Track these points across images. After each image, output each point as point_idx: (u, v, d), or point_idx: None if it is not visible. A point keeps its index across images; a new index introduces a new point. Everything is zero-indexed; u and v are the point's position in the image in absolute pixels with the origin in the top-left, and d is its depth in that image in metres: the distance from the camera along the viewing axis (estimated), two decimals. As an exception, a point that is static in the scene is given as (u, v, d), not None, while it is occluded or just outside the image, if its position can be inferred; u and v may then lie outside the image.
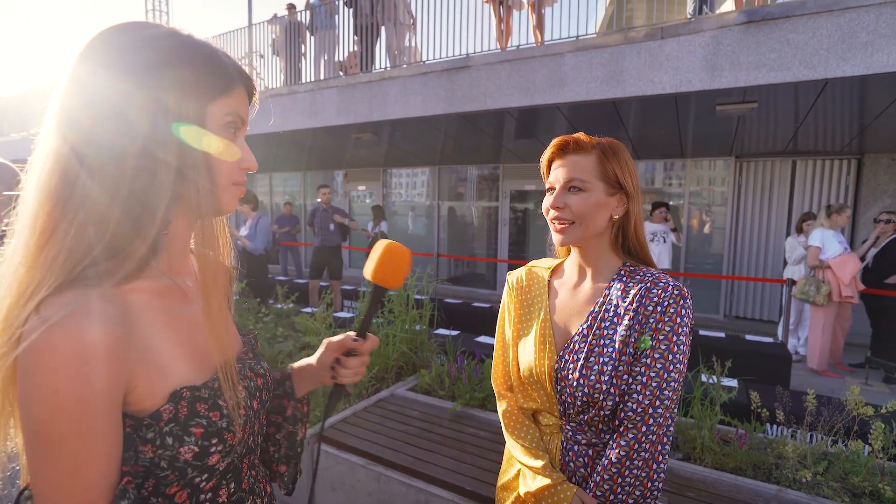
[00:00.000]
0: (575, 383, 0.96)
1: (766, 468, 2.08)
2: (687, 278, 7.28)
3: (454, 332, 4.15)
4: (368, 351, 0.84)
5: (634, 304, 0.95)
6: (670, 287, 0.94)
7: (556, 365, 1.00)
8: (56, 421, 0.51)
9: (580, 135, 1.03)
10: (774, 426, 2.63)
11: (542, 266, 1.17)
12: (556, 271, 1.15)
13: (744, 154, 6.98)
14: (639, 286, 0.96)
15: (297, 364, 0.89)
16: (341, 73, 6.68)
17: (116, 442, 0.56)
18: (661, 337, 0.92)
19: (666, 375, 0.91)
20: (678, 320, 0.92)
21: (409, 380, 3.19)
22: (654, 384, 0.91)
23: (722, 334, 4.42)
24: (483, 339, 4.21)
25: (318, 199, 6.56)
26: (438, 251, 9.28)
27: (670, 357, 0.91)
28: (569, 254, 1.14)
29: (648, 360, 0.91)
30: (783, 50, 3.85)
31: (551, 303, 1.09)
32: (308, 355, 3.19)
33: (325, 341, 0.85)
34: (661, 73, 4.27)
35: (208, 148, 0.62)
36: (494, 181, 9.12)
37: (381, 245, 0.79)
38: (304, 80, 7.30)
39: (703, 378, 2.48)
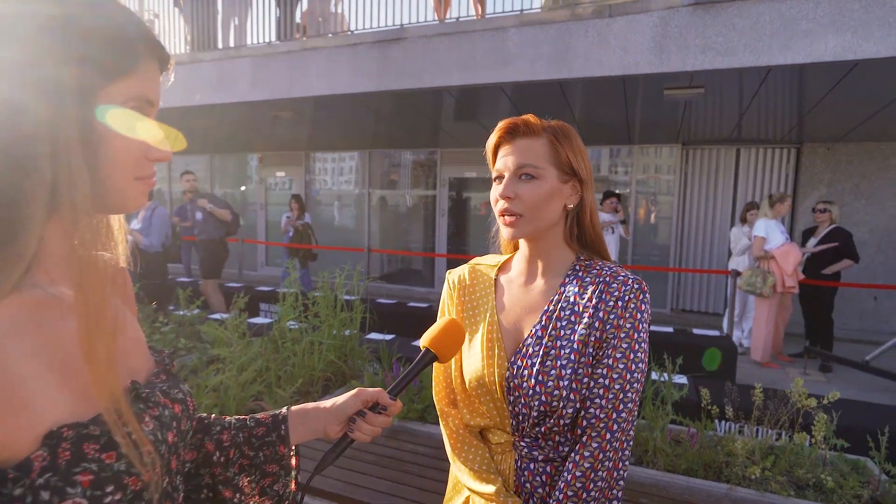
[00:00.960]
0: (530, 391, 0.95)
1: (716, 467, 2.23)
2: (635, 271, 7.68)
3: (388, 337, 4.11)
4: (394, 414, 0.86)
5: (594, 301, 0.96)
6: (630, 281, 0.96)
7: (508, 372, 0.99)
8: None
9: (529, 116, 1.02)
10: (723, 422, 2.83)
11: (487, 263, 1.16)
12: (503, 268, 1.14)
13: (690, 141, 7.44)
14: (597, 281, 0.98)
15: (297, 407, 0.86)
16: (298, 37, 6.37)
17: None
18: (622, 335, 0.93)
19: (629, 376, 0.92)
20: (638, 316, 0.94)
21: (338, 392, 3.12)
22: (616, 387, 0.92)
23: (670, 329, 4.69)
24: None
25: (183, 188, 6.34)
26: (369, 245, 9.16)
27: (632, 356, 0.93)
28: (516, 249, 1.13)
29: (610, 361, 0.92)
30: (729, 34, 4.12)
31: (499, 303, 1.08)
32: (218, 370, 3.04)
33: (358, 390, 0.86)
34: (609, 53, 4.43)
35: (102, 139, 0.56)
36: (431, 167, 9.13)
37: (447, 319, 0.94)
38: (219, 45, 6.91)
39: (654, 376, 2.61)
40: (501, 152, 1.03)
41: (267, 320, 4.64)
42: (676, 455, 2.26)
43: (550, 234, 1.04)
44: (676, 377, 3.00)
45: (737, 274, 5.60)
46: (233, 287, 6.62)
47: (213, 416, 0.86)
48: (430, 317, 5.26)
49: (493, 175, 1.05)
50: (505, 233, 1.02)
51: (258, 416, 0.85)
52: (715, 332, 4.66)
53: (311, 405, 0.86)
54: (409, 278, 9.47)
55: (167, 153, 0.63)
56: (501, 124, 1.03)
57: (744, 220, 5.99)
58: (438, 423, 2.76)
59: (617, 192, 6.84)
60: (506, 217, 1.00)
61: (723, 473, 2.19)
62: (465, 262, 1.21)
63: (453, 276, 1.16)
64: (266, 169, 10.41)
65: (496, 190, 1.02)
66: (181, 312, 4.41)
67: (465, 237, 9.14)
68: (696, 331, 4.67)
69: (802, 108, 5.39)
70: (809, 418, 2.35)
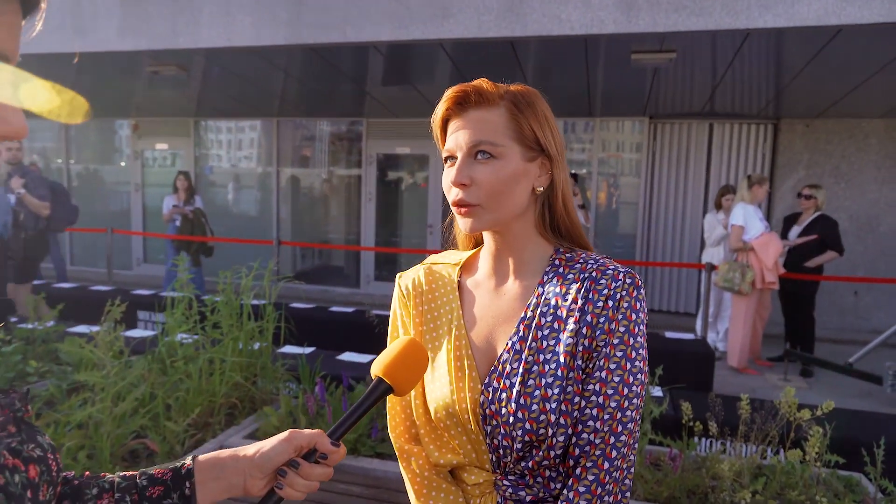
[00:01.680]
0: (511, 418, 0.93)
1: (701, 492, 2.33)
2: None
3: (308, 350, 4.04)
4: (336, 463, 0.84)
5: (580, 302, 0.95)
6: (621, 275, 0.96)
7: (482, 397, 0.98)
8: None
9: (482, 82, 1.01)
10: (704, 439, 2.97)
11: (447, 262, 1.14)
12: (467, 268, 1.12)
13: (658, 115, 7.76)
14: (581, 277, 0.98)
15: (206, 456, 0.80)
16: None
17: None
18: (615, 341, 0.93)
19: (626, 391, 0.92)
20: (633, 317, 0.94)
21: (247, 422, 3.05)
22: (612, 404, 0.91)
23: (640, 333, 4.89)
24: (349, 356, 4.14)
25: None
26: (279, 237, 8.93)
27: (629, 366, 0.93)
28: (477, 244, 1.12)
29: (603, 374, 0.92)
30: (704, -10, 4.31)
31: (466, 312, 1.06)
32: (85, 400, 2.87)
33: (290, 433, 0.82)
34: (569, 7, 4.52)
35: None
36: (355, 141, 9.04)
37: (405, 340, 0.93)
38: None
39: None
40: (451, 127, 1.01)
41: (148, 333, 4.44)
42: (657, 481, 2.34)
43: (519, 223, 1.03)
44: (654, 390, 3.12)
45: (711, 268, 5.90)
46: (101, 291, 6.28)
47: (88, 473, 0.79)
48: (358, 324, 5.19)
49: (444, 155, 1.02)
50: (462, 225, 1.01)
51: (153, 470, 0.79)
52: (689, 336, 4.90)
53: (226, 453, 0.81)
54: (330, 277, 9.34)
55: (20, 128, 0.54)
56: (449, 93, 1.00)
57: (718, 206, 6.32)
58: (374, 457, 2.73)
59: (574, 172, 7.02)
60: (461, 208, 0.98)
61: (709, 500, 2.29)
62: (397, 256, 1.18)
63: (406, 280, 1.14)
64: (142, 140, 9.99)
65: (448, 175, 1.00)
66: (31, 325, 4.12)
67: (397, 226, 9.09)
68: (668, 334, 4.89)
69: (781, 79, 5.74)
70: (800, 432, 2.51)
